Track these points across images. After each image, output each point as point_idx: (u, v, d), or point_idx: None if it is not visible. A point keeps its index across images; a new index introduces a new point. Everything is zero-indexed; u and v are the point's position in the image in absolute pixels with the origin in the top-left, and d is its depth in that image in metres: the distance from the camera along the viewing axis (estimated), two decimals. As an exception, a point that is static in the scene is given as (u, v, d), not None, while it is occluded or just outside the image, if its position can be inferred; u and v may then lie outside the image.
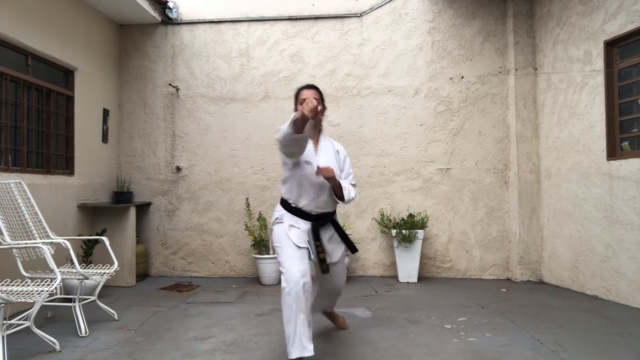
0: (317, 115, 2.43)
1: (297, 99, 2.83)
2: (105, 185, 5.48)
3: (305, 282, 2.54)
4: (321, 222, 2.84)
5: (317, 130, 2.89)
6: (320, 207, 2.82)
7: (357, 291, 4.66)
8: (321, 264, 2.81)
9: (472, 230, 5.40)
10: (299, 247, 2.68)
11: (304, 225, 2.78)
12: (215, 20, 5.74)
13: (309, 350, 2.51)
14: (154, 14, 5.54)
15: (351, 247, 3.01)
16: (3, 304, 2.66)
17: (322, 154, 2.84)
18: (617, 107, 4.19)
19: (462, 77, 5.45)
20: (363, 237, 5.46)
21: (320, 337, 3.25)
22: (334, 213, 2.96)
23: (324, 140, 2.93)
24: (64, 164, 4.86)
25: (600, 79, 4.30)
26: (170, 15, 5.74)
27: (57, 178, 4.59)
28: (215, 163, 5.70)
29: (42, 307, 3.44)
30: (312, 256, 2.79)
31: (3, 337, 2.69)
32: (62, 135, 4.83)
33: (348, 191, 2.81)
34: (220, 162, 5.70)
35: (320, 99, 2.83)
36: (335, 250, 2.93)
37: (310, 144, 2.77)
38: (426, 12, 5.51)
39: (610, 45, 4.22)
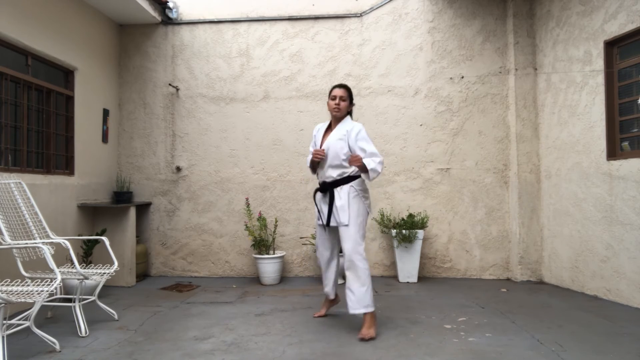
0: (322, 157, 3.36)
1: (330, 94, 3.48)
2: (105, 185, 5.48)
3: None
4: (323, 190, 3.45)
5: (339, 120, 3.46)
6: (322, 178, 3.47)
7: (357, 291, 4.65)
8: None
9: (472, 230, 5.40)
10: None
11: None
12: (215, 20, 5.74)
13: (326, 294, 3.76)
14: (154, 14, 5.54)
15: (328, 219, 3.37)
16: (3, 304, 2.65)
17: (330, 138, 3.41)
18: (617, 107, 4.19)
19: (462, 77, 5.45)
20: (363, 237, 5.46)
21: (320, 336, 3.25)
22: (332, 185, 3.37)
23: (342, 125, 3.42)
24: (64, 164, 4.86)
25: (600, 79, 4.30)
26: (170, 15, 5.74)
27: (57, 178, 4.59)
28: (215, 163, 5.70)
29: (42, 307, 3.44)
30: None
31: (3, 337, 2.69)
32: (62, 135, 4.83)
33: (374, 168, 3.19)
34: (220, 162, 5.70)
35: (349, 95, 3.48)
36: (324, 214, 3.41)
37: (323, 133, 3.54)
38: (426, 12, 5.51)
39: (610, 45, 4.22)
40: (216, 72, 5.74)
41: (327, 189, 3.40)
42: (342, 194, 3.32)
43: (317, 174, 3.55)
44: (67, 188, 4.72)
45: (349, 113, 3.53)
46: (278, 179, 5.62)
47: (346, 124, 3.43)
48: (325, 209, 3.42)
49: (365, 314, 3.23)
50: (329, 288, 3.69)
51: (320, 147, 3.46)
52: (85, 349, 3.02)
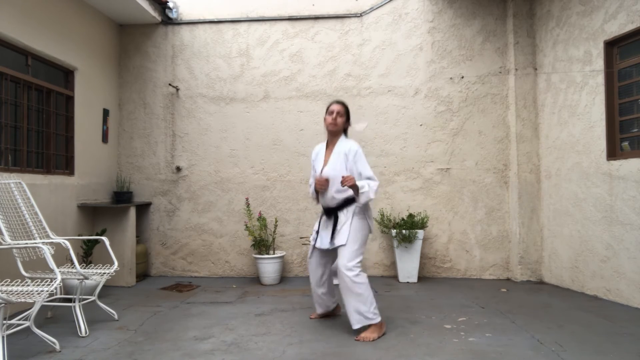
0: (325, 187, 3.34)
1: (327, 110, 3.48)
2: (105, 185, 5.48)
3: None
4: (327, 214, 3.44)
5: (337, 139, 3.46)
6: (326, 203, 3.43)
7: (357, 291, 4.65)
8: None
9: (472, 230, 5.40)
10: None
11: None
12: (215, 20, 5.74)
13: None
14: (154, 14, 5.54)
15: (332, 240, 3.33)
16: (3, 304, 2.65)
17: (330, 162, 3.39)
18: (617, 107, 4.19)
19: (462, 77, 5.45)
20: (363, 237, 5.46)
21: (320, 336, 3.25)
22: (337, 208, 3.36)
23: (340, 145, 3.41)
24: (64, 164, 4.86)
25: (600, 79, 4.30)
26: (170, 15, 5.74)
27: (57, 178, 4.59)
28: (215, 163, 5.70)
29: (42, 307, 3.45)
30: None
31: (3, 337, 2.69)
32: (62, 135, 4.83)
33: (366, 192, 3.18)
34: (220, 162, 5.70)
35: (346, 112, 3.49)
36: (325, 238, 3.38)
37: (323, 155, 3.49)
38: (426, 12, 5.51)
39: (610, 45, 4.22)
40: (216, 72, 5.74)
41: (332, 212, 3.37)
42: (347, 215, 3.31)
43: (319, 201, 3.50)
44: (67, 188, 4.72)
45: (345, 131, 3.53)
46: (278, 179, 5.62)
47: (343, 143, 3.41)
48: (326, 234, 3.37)
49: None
50: (320, 307, 3.66)
51: (321, 172, 3.42)
52: (85, 349, 3.02)
